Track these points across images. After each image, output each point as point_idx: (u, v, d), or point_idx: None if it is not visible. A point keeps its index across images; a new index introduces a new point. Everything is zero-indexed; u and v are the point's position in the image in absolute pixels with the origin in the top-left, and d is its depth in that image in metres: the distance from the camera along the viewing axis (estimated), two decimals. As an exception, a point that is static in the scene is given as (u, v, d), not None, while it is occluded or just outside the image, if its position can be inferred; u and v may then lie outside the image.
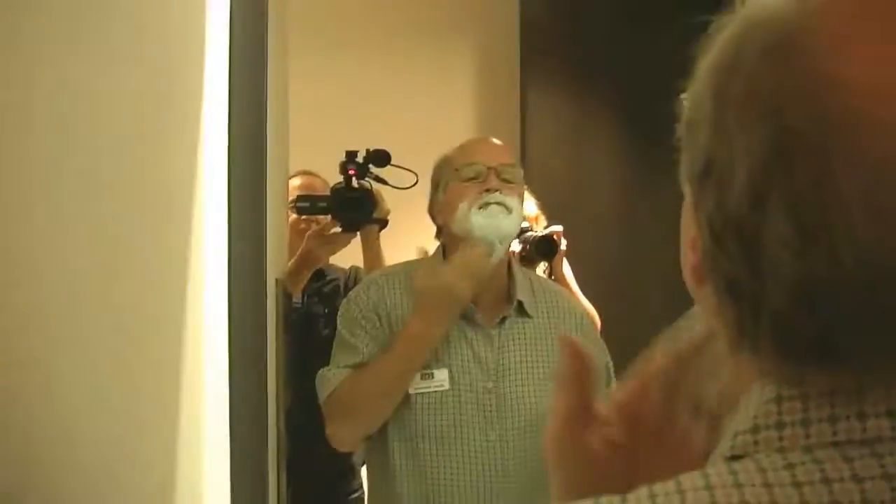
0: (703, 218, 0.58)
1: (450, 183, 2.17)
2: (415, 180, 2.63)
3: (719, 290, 0.58)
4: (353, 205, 2.65)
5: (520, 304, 2.18)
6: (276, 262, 2.51)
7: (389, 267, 2.43)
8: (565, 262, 3.08)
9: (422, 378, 2.10)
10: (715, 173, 0.57)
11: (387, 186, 2.68)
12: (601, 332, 2.62)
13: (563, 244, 3.03)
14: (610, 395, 0.75)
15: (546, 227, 3.05)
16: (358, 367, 2.13)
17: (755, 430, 0.57)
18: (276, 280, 2.49)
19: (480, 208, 2.09)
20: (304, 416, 2.34)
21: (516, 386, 2.12)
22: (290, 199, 2.79)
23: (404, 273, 2.23)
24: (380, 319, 2.15)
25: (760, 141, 0.54)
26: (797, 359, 0.56)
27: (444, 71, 4.81)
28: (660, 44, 4.54)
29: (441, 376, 2.09)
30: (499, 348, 2.14)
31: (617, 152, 4.48)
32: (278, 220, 2.55)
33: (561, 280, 3.03)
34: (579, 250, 3.21)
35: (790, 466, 0.54)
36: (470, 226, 2.09)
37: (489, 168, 2.13)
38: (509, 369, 2.13)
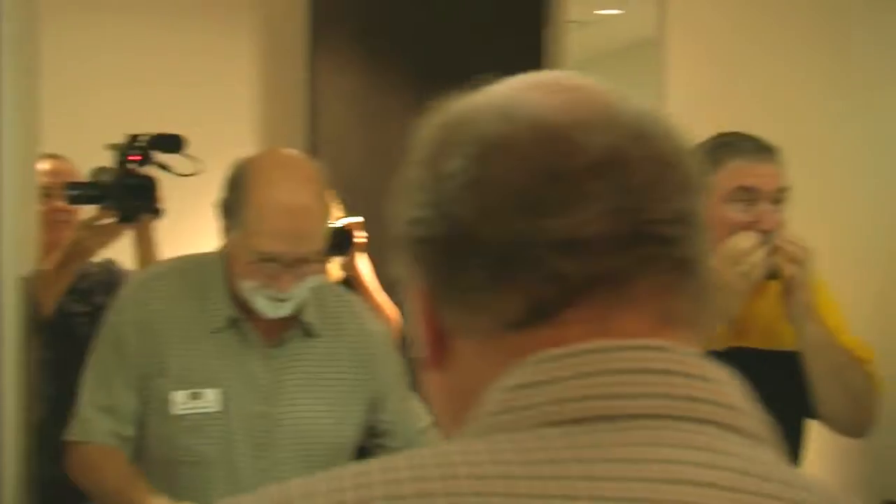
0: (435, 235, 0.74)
1: (240, 245, 2.07)
2: (195, 168, 2.68)
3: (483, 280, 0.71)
4: (134, 193, 2.67)
5: (305, 324, 2.18)
6: (20, 257, 2.50)
7: (163, 264, 2.41)
8: (364, 257, 3.14)
9: (190, 397, 2.11)
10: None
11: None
12: (403, 329, 2.69)
13: (363, 237, 3.09)
14: None
15: (341, 219, 3.10)
16: (110, 410, 2.14)
17: (475, 418, 0.69)
18: (21, 279, 2.49)
19: (268, 298, 2.07)
20: (63, 425, 2.32)
21: (292, 411, 2.14)
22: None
23: (180, 273, 2.21)
24: (143, 336, 2.14)
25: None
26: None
27: (222, 40, 4.77)
28: (462, 14, 4.67)
29: (212, 396, 2.10)
30: (277, 370, 2.15)
31: (421, 133, 4.56)
32: (23, 210, 2.52)
33: (358, 279, 3.07)
34: (380, 243, 3.27)
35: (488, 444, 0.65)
36: (250, 301, 2.09)
37: (289, 261, 2.05)
38: (286, 393, 2.15)
